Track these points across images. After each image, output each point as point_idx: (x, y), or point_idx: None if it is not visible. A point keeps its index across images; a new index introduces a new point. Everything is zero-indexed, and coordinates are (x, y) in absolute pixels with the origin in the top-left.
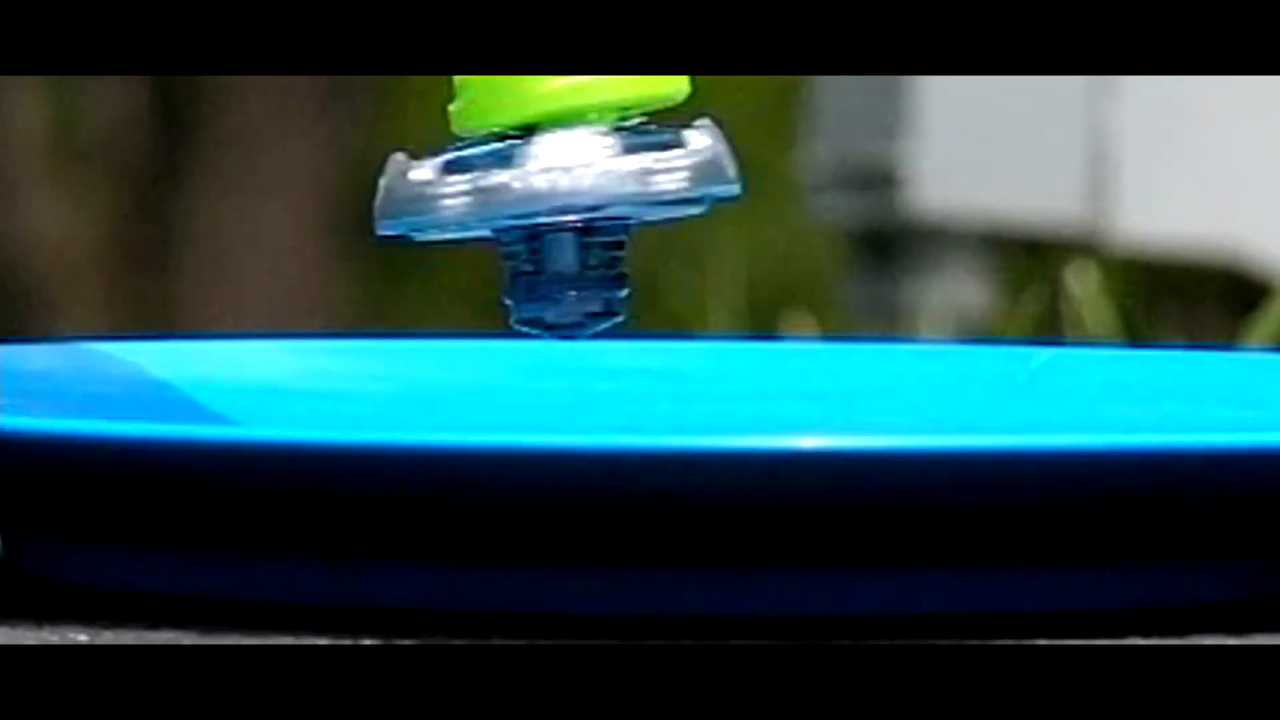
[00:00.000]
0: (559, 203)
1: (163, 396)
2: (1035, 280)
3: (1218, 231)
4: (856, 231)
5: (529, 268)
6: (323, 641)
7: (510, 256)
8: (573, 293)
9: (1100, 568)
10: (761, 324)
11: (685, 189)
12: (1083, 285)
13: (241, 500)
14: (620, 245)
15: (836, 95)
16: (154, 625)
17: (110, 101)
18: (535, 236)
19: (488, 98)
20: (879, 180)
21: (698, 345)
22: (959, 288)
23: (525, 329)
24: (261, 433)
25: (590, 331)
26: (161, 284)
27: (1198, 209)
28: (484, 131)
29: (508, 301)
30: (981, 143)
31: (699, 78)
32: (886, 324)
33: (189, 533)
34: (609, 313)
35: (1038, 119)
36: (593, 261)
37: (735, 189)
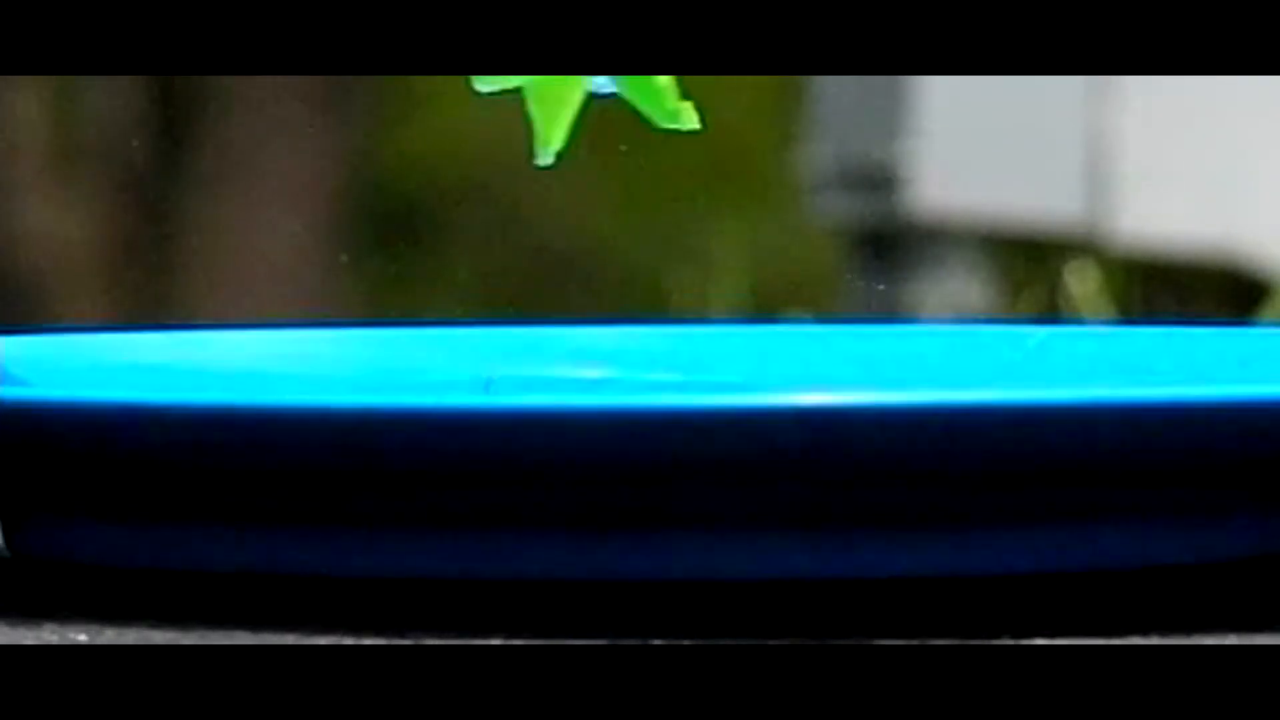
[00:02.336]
0: None
1: (157, 387)
2: (1035, 280)
3: (1217, 231)
4: (856, 231)
5: None
6: (324, 641)
7: None
8: None
9: (1100, 525)
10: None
11: None
12: (1082, 285)
13: (229, 470)
14: None
15: (836, 95)
16: (154, 625)
17: (110, 101)
18: None
19: None
20: (879, 180)
21: (696, 330)
22: (959, 288)
23: None
24: (253, 399)
25: None
26: (162, 284)
27: (1198, 209)
28: None
29: None
30: (981, 143)
31: (699, 78)
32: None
33: (194, 505)
34: None
35: (1038, 119)
36: None
37: None
